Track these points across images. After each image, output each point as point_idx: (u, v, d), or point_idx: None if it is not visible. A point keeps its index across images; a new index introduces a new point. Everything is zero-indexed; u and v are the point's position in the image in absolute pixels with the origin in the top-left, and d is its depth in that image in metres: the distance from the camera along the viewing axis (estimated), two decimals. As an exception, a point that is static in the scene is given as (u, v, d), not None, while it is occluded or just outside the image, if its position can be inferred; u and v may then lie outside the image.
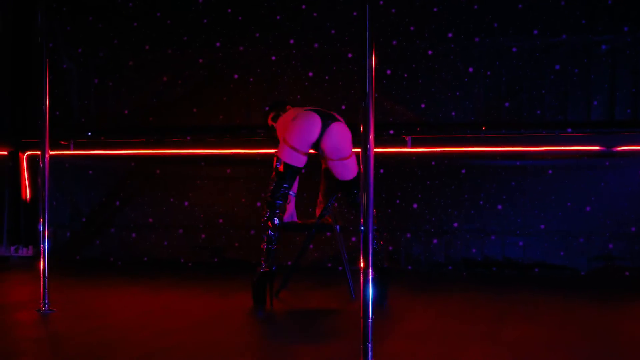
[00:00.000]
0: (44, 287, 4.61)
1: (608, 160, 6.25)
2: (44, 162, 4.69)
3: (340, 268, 6.52)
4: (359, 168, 4.72)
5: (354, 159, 5.15)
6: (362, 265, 3.22)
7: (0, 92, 7.33)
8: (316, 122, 4.96)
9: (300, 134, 4.92)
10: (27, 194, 7.32)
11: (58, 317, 4.45)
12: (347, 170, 5.15)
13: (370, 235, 3.22)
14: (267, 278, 4.87)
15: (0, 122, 7.36)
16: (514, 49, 6.41)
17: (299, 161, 4.94)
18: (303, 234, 6.07)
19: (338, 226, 5.16)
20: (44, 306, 4.60)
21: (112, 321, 4.39)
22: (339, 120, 5.06)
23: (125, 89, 7.17)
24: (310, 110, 5.06)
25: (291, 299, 5.17)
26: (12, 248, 7.26)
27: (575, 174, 6.30)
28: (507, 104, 6.43)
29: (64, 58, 7.25)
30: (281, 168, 4.92)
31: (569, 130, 6.27)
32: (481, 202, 6.47)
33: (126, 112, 7.16)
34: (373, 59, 3.27)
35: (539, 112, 6.38)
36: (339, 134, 5.01)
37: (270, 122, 5.38)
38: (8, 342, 3.90)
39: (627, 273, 6.18)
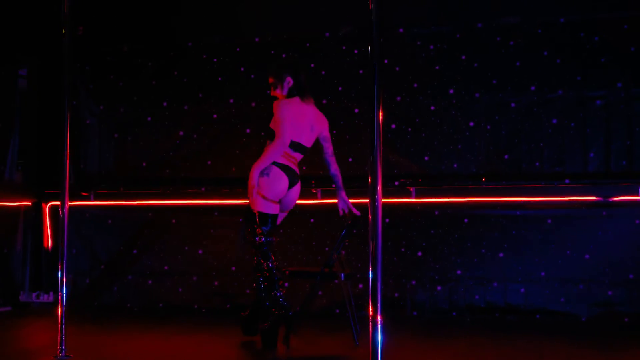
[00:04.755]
0: (61, 334, 4.45)
1: (605, 210, 6.10)
2: (63, 212, 4.61)
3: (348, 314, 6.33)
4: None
5: None
6: (370, 312, 3.09)
7: (27, 146, 7.29)
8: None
9: None
10: (49, 242, 7.21)
11: (74, 363, 4.30)
12: None
13: (379, 282, 3.10)
14: (281, 321, 4.71)
15: (26, 174, 7.31)
16: (513, 104, 6.33)
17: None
18: (313, 280, 5.90)
19: (343, 274, 4.98)
20: (60, 352, 4.44)
21: (126, 367, 4.23)
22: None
23: (144, 143, 7.11)
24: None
25: (299, 345, 4.99)
26: (34, 294, 7.12)
27: (574, 223, 6.14)
28: (506, 156, 6.33)
29: (87, 114, 7.22)
30: None
31: (567, 181, 6.14)
32: (483, 251, 6.31)
33: (144, 164, 7.09)
34: (381, 114, 3.19)
35: (537, 164, 6.26)
36: None
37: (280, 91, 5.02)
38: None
39: (626, 319, 5.97)
